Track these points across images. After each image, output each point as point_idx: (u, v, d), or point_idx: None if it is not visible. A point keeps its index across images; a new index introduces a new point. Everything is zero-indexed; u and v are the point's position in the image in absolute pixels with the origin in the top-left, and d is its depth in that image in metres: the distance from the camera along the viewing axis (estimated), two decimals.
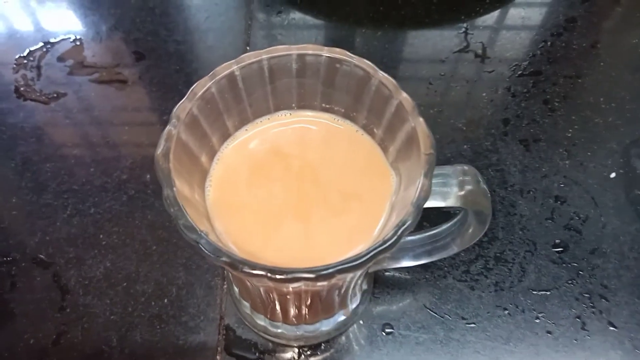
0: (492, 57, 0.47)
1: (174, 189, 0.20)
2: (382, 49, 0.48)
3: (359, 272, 0.22)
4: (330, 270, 0.19)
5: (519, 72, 0.46)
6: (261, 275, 0.19)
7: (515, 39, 0.48)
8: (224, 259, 0.19)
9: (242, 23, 0.49)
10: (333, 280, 0.21)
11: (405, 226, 0.20)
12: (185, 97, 0.22)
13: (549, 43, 0.48)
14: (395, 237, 0.20)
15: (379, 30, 0.49)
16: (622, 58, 0.47)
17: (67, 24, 0.49)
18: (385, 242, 0.19)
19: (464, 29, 0.49)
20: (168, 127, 0.21)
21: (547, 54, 0.47)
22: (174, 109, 0.22)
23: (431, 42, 0.48)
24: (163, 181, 0.20)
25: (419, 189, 0.20)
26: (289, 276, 0.19)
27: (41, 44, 0.48)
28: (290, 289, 0.22)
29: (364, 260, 0.19)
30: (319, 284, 0.19)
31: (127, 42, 0.48)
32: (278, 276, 0.19)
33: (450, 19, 0.50)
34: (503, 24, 0.50)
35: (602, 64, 0.47)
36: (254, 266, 0.19)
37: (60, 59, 0.47)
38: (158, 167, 0.21)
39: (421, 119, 0.22)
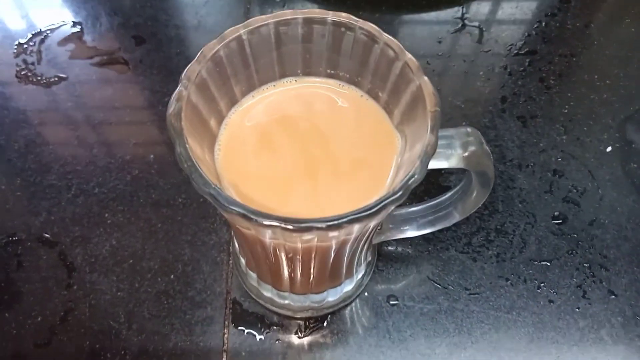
0: (489, 37, 0.48)
1: (187, 146, 0.20)
2: None
3: (369, 226, 0.23)
4: (342, 220, 0.19)
5: (515, 52, 0.47)
6: (274, 225, 0.19)
7: (510, 20, 0.49)
8: (238, 209, 0.19)
9: (240, 8, 0.50)
10: (343, 234, 0.22)
11: (413, 179, 0.20)
12: (195, 59, 0.23)
13: (543, 23, 0.49)
14: (403, 189, 0.20)
15: (377, 13, 0.49)
16: (615, 37, 0.48)
17: (66, 10, 0.49)
18: (394, 193, 0.20)
19: (460, 11, 0.49)
20: (179, 88, 0.22)
21: (542, 34, 0.48)
22: (184, 71, 0.22)
23: (428, 23, 0.49)
24: (175, 139, 0.21)
25: (425, 144, 0.21)
26: (302, 225, 0.19)
27: (41, 29, 0.48)
28: (300, 245, 0.23)
29: (375, 211, 0.20)
30: (331, 234, 0.20)
31: (127, 27, 0.48)
32: (291, 226, 0.19)
33: (447, 1, 0.50)
34: (499, 4, 0.50)
35: (595, 42, 0.48)
36: (268, 216, 0.19)
37: (61, 43, 0.47)
38: (170, 125, 0.21)
39: (426, 78, 0.22)
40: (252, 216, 0.19)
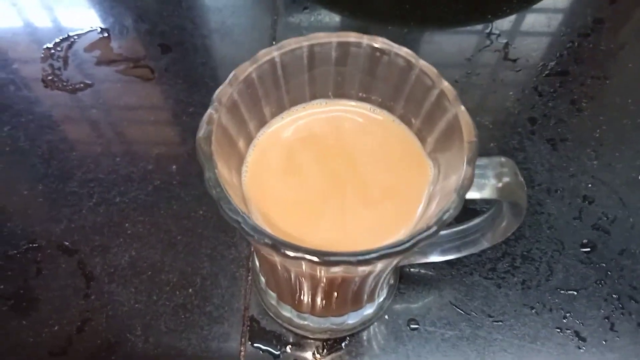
0: (519, 56, 0.47)
1: (216, 171, 0.20)
2: (408, 47, 0.47)
3: (398, 259, 0.22)
4: (372, 255, 0.19)
5: (546, 72, 0.46)
6: (302, 258, 0.19)
7: (541, 39, 0.48)
8: (266, 240, 0.19)
9: (268, 18, 0.50)
10: (371, 267, 0.21)
11: (448, 213, 0.20)
12: (227, 81, 0.22)
13: (576, 44, 0.48)
14: (438, 224, 0.19)
15: (405, 28, 0.49)
16: None
17: (94, 16, 0.50)
18: (429, 228, 0.19)
19: (490, 28, 0.49)
20: (209, 111, 0.21)
21: (574, 55, 0.47)
22: (216, 93, 0.22)
23: (457, 40, 0.48)
24: (205, 163, 0.20)
25: (462, 177, 0.20)
26: (331, 259, 0.19)
27: (68, 34, 0.48)
28: (324, 276, 0.22)
29: (407, 247, 0.19)
30: (360, 269, 0.19)
31: (154, 35, 0.48)
32: (319, 259, 0.19)
33: (476, 18, 0.49)
34: (529, 23, 0.49)
35: (630, 65, 0.46)
36: (297, 248, 0.19)
37: (88, 49, 0.47)
38: (200, 149, 0.21)
39: (463, 108, 0.22)
40: (280, 247, 0.19)
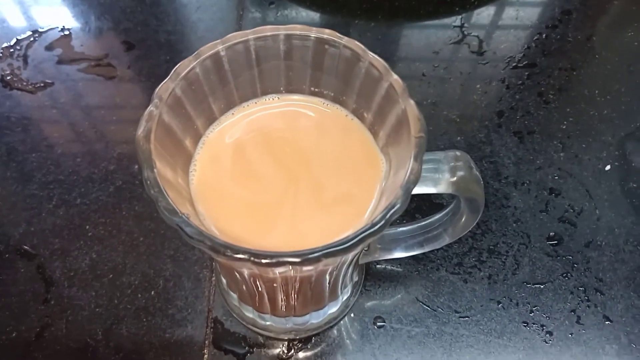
0: (487, 49, 0.47)
1: (155, 170, 0.19)
2: (375, 41, 0.47)
3: (347, 257, 0.22)
4: (316, 254, 0.18)
5: (514, 65, 0.46)
6: (244, 259, 0.18)
7: (510, 31, 0.48)
8: (206, 242, 0.18)
9: (233, 14, 0.49)
10: (320, 266, 0.21)
11: (394, 209, 0.19)
12: (168, 77, 0.22)
13: (544, 35, 0.48)
14: (383, 221, 0.19)
15: (373, 22, 0.48)
16: (617, 51, 0.47)
17: (55, 13, 0.48)
18: (373, 225, 0.19)
19: (459, 21, 0.48)
20: (149, 108, 0.21)
21: (542, 47, 0.47)
22: (156, 89, 0.21)
23: (425, 33, 0.48)
24: (143, 162, 0.20)
25: (408, 172, 0.20)
26: (274, 260, 0.18)
27: (29, 32, 0.47)
28: (277, 275, 0.22)
29: (351, 244, 0.18)
30: (305, 268, 0.19)
31: (117, 32, 0.47)
32: (262, 260, 0.18)
33: (445, 11, 0.49)
34: (498, 16, 0.49)
35: (597, 56, 0.46)
36: (237, 250, 0.18)
37: (48, 48, 0.46)
38: (138, 147, 0.20)
39: (412, 101, 0.21)
40: (220, 249, 0.18)
